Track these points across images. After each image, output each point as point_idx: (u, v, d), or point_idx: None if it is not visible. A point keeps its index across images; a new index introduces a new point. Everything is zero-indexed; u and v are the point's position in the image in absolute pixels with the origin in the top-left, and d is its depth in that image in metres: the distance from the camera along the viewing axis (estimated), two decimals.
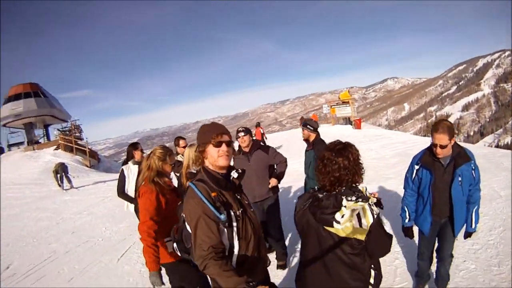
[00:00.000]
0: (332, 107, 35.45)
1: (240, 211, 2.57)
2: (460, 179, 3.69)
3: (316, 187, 2.65)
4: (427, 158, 3.85)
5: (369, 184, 10.14)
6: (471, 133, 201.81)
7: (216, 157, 2.56)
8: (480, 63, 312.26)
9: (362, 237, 2.33)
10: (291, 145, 24.26)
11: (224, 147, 2.58)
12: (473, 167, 3.77)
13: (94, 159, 30.76)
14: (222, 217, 2.38)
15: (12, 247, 9.90)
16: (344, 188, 2.41)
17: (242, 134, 5.56)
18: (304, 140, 6.50)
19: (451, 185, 3.73)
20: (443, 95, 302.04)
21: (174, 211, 3.26)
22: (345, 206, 2.27)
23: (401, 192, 8.78)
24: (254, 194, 5.68)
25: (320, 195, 2.48)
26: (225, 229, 2.45)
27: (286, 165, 5.90)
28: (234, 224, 2.51)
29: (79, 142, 32.29)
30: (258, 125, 27.26)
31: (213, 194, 2.45)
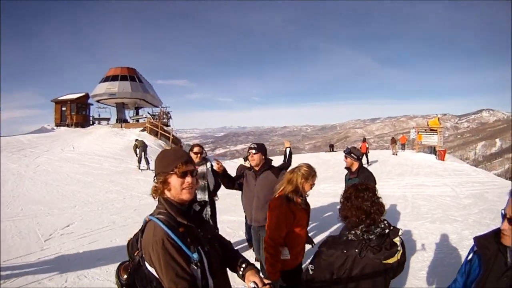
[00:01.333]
0: (419, 133, 34.87)
1: (207, 247, 2.23)
2: None
3: (344, 234, 2.50)
4: (487, 242, 2.22)
5: (433, 223, 10.00)
6: None
7: (179, 190, 2.16)
8: None
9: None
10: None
11: (189, 178, 2.20)
12: None
13: (176, 146, 31.36)
14: (195, 256, 2.07)
15: (77, 210, 10.88)
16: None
17: (253, 152, 5.13)
18: (346, 168, 6.40)
19: None
20: None
21: (300, 231, 4.04)
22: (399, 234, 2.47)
23: (463, 236, 8.58)
24: (251, 217, 5.39)
25: (365, 235, 2.40)
26: (198, 269, 2.09)
27: None
28: (205, 261, 2.16)
29: (165, 127, 33.41)
30: (364, 140, 31.53)
31: (180, 230, 2.11)
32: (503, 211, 2.02)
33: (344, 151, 6.23)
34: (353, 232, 2.44)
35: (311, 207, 11.47)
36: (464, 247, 7.78)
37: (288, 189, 4.00)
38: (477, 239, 2.31)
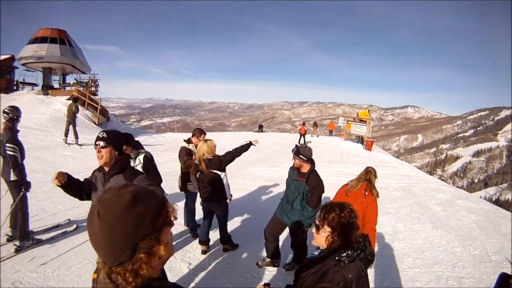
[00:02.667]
0: (349, 122, 35.92)
1: None
2: None
3: (338, 256, 2.40)
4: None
5: None
6: (476, 180, 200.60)
7: (171, 245, 1.47)
8: (503, 114, 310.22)
9: None
10: (285, 149, 24.42)
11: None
12: None
13: (103, 117, 30.71)
14: None
15: None
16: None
17: (101, 144, 3.48)
18: (295, 167, 5.69)
19: None
20: (458, 135, 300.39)
21: None
22: None
23: (397, 229, 8.86)
24: None
25: (356, 253, 2.41)
26: None
27: None
28: None
29: (93, 97, 32.37)
30: (303, 123, 34.63)
31: None
32: None
33: (292, 151, 5.62)
34: (344, 255, 2.39)
35: (248, 191, 11.30)
36: (399, 239, 8.39)
37: (371, 187, 5.57)
38: (502, 276, 2.24)
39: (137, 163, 5.32)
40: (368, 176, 5.64)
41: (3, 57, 35.07)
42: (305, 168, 5.55)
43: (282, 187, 12.21)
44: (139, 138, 25.22)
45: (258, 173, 15.29)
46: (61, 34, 34.01)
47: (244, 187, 12.21)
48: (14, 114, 6.51)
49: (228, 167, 6.49)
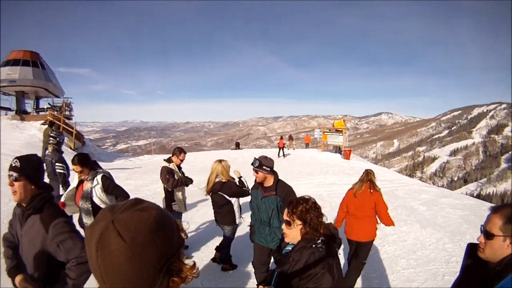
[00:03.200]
0: (325, 133, 36.28)
1: None
2: None
3: (314, 244, 2.59)
4: (471, 252, 2.34)
5: None
6: (455, 178, 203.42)
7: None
8: (475, 112, 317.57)
9: None
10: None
11: None
12: None
13: (79, 142, 30.11)
14: None
15: None
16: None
17: (14, 176, 2.72)
18: (257, 182, 5.17)
19: None
20: (434, 137, 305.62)
21: None
22: None
23: (386, 232, 8.85)
24: None
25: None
26: None
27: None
28: None
29: (67, 121, 31.56)
30: (281, 137, 35.14)
31: None
32: (482, 227, 2.18)
33: (252, 164, 5.01)
34: (320, 241, 2.60)
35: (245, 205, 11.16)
36: (389, 243, 8.40)
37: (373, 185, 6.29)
38: (469, 246, 2.45)
39: (95, 184, 5.02)
40: (369, 176, 6.14)
41: None
42: (270, 180, 5.13)
43: None
44: (116, 162, 25.25)
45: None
46: (34, 57, 33.34)
47: None
48: (60, 138, 8.06)
49: None
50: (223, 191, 6.28)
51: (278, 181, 5.13)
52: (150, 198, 12.18)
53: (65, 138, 26.75)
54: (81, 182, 5.22)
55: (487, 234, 2.09)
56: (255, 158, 5.05)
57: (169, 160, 7.17)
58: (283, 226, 2.72)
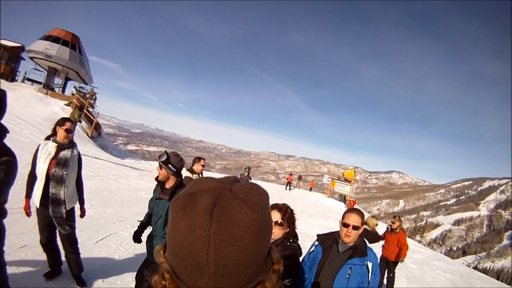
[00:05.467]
0: (333, 180, 36.51)
1: None
2: (349, 272, 3.35)
3: (288, 242, 3.24)
4: (326, 237, 3.69)
5: None
6: (454, 248, 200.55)
7: None
8: (486, 185, 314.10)
9: None
10: (271, 199, 23.95)
11: None
12: (369, 268, 3.37)
13: (96, 131, 30.02)
14: None
15: None
16: None
17: None
18: (157, 180, 4.53)
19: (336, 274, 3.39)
20: (440, 203, 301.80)
21: None
22: None
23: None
24: None
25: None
26: None
27: None
28: None
29: (90, 109, 31.61)
30: (290, 174, 38.12)
31: None
32: (343, 222, 3.46)
33: (159, 157, 4.41)
34: (293, 240, 3.28)
35: None
36: None
37: None
38: (319, 236, 3.73)
39: (75, 153, 5.17)
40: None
41: (12, 44, 34.65)
42: (171, 182, 4.48)
43: None
44: (128, 161, 25.51)
45: None
46: (74, 39, 33.94)
47: None
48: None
49: None
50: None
51: (179, 186, 4.44)
52: None
53: (83, 125, 27.13)
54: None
55: (355, 227, 3.38)
56: (165, 151, 4.47)
57: (191, 170, 7.27)
58: (273, 226, 3.03)
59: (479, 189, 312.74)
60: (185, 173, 6.89)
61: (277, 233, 3.17)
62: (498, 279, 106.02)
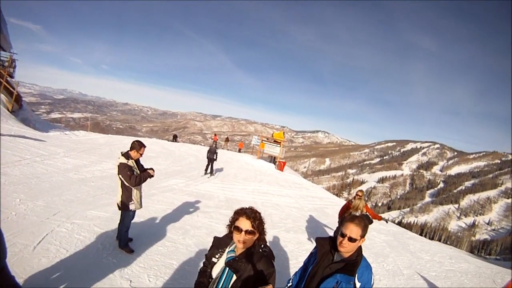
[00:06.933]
0: (263, 141, 36.60)
1: None
2: (334, 286, 3.15)
3: (260, 248, 3.03)
4: (324, 242, 3.48)
5: (288, 232, 10.95)
6: (379, 204, 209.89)
7: None
8: (409, 146, 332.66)
9: None
10: (200, 162, 24.06)
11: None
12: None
13: (17, 104, 26.90)
14: None
15: None
16: None
17: None
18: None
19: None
20: (365, 162, 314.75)
21: None
22: None
23: (312, 247, 9.26)
24: None
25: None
26: None
27: None
28: None
29: (9, 79, 27.81)
30: (215, 134, 38.98)
31: None
32: (341, 231, 3.24)
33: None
34: (263, 246, 3.08)
35: (171, 205, 11.20)
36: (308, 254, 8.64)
37: None
38: (318, 240, 3.53)
39: None
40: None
41: None
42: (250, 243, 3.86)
43: (204, 202, 12.34)
44: (52, 134, 24.03)
45: (177, 185, 14.91)
46: None
47: (166, 200, 11.88)
48: None
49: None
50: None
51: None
52: (90, 181, 12.06)
53: (2, 99, 24.64)
54: None
55: (351, 239, 3.14)
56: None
57: (127, 156, 6.59)
58: (244, 235, 2.88)
59: (402, 150, 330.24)
60: (120, 158, 6.49)
61: (248, 241, 2.91)
62: (422, 232, 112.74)
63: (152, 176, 6.86)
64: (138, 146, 6.63)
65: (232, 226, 2.97)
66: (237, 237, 2.89)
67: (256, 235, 2.96)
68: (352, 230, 3.14)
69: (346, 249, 3.17)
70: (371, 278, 3.23)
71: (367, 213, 8.96)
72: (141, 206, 6.96)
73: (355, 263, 3.18)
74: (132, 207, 6.70)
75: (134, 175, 6.47)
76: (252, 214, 2.95)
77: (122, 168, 6.40)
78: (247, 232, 2.87)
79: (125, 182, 6.44)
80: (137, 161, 6.80)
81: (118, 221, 6.89)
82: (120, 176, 6.45)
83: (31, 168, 12.07)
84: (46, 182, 10.67)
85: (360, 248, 3.29)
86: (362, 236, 3.18)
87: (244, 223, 2.90)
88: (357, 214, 8.39)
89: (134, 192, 6.65)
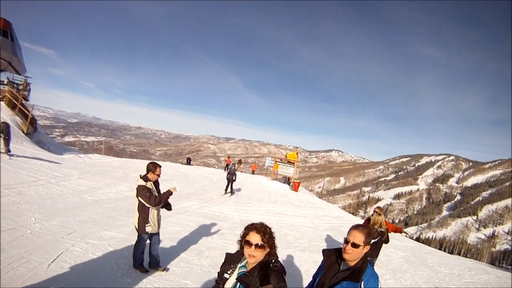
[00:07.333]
0: (277, 162, 36.38)
1: None
2: None
3: (271, 264, 3.03)
4: (330, 253, 3.55)
5: (303, 251, 10.86)
6: (396, 221, 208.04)
7: None
8: (424, 161, 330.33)
9: None
10: (215, 184, 23.74)
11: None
12: None
13: (31, 127, 27.17)
14: None
15: None
16: None
17: None
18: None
19: None
20: (380, 179, 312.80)
21: None
22: None
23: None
24: None
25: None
26: None
27: None
28: None
29: (24, 102, 28.60)
30: (228, 156, 40.64)
31: None
32: (345, 238, 3.33)
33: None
34: (275, 261, 3.07)
35: (186, 226, 11.16)
36: None
37: None
38: (324, 251, 3.58)
39: None
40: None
41: None
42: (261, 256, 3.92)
43: (219, 224, 12.31)
44: (66, 156, 24.21)
45: (191, 208, 14.91)
46: (6, 26, 29.47)
47: (181, 222, 11.85)
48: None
49: None
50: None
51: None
52: (104, 202, 12.10)
53: (18, 121, 24.83)
54: None
55: (353, 244, 3.22)
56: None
57: (145, 178, 6.59)
58: (254, 249, 2.91)
59: (416, 165, 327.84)
60: (139, 181, 6.51)
61: (258, 256, 2.94)
62: (440, 247, 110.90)
63: (172, 193, 6.80)
64: (153, 167, 6.64)
65: (243, 241, 3.00)
66: (247, 251, 2.92)
67: (267, 250, 2.98)
68: (356, 236, 3.24)
69: (350, 255, 3.24)
70: (378, 285, 3.21)
71: (386, 227, 8.85)
72: (158, 229, 6.86)
73: (360, 270, 3.21)
74: (148, 229, 6.63)
75: (153, 195, 6.47)
76: (262, 228, 2.99)
77: (140, 190, 6.42)
78: (257, 246, 2.90)
79: (146, 203, 6.43)
80: (156, 184, 6.80)
81: (135, 242, 6.82)
82: (139, 198, 6.45)
83: (46, 189, 12.20)
84: (61, 203, 10.78)
85: (365, 256, 3.33)
86: (366, 243, 3.25)
87: (254, 237, 2.93)
88: (377, 228, 8.46)
89: (151, 214, 6.58)
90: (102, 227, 9.13)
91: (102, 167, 22.16)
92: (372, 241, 8.10)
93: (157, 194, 6.63)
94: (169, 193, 6.74)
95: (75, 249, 7.24)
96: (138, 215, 6.58)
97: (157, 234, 6.92)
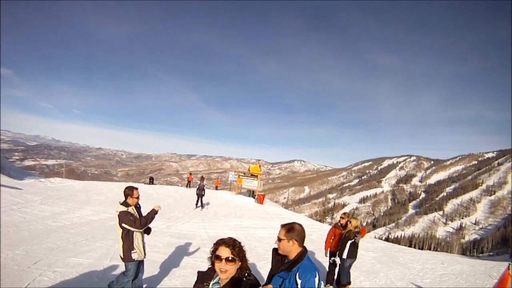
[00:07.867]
0: (240, 177, 36.30)
1: None
2: (280, 283, 3.54)
3: (245, 277, 3.05)
4: (276, 251, 3.91)
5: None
6: (364, 224, 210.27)
7: None
8: (385, 163, 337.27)
9: None
10: (179, 202, 23.65)
11: None
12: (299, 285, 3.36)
13: None
14: None
15: None
16: None
17: None
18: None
19: None
20: (344, 185, 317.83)
21: None
22: None
23: None
24: None
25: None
26: None
27: None
28: None
29: None
30: (190, 173, 41.16)
31: None
32: (278, 236, 3.70)
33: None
34: (248, 273, 3.11)
35: (155, 248, 11.00)
36: None
37: None
38: (273, 250, 3.89)
39: None
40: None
41: None
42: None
43: (187, 242, 12.21)
44: (27, 181, 23.74)
45: (157, 227, 14.65)
46: None
47: (148, 243, 11.65)
48: None
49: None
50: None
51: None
52: (69, 228, 11.90)
53: None
54: None
55: (278, 239, 3.64)
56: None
57: (126, 204, 6.35)
58: (225, 263, 2.93)
59: (379, 168, 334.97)
60: (119, 207, 6.23)
61: (230, 270, 2.96)
62: (410, 244, 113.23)
63: (157, 212, 6.57)
64: (130, 191, 6.41)
65: (213, 256, 3.00)
66: (218, 266, 2.94)
67: (238, 263, 3.00)
68: (280, 232, 3.68)
69: (281, 249, 3.67)
70: (313, 280, 3.32)
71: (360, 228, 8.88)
72: (144, 255, 6.64)
73: (294, 262, 3.53)
74: (135, 256, 6.38)
75: (138, 218, 6.28)
76: (231, 242, 3.03)
77: (123, 216, 6.17)
78: (227, 259, 2.92)
79: (131, 228, 6.20)
80: (137, 207, 6.62)
81: (119, 271, 6.87)
82: (123, 224, 6.17)
83: (8, 216, 11.95)
84: (25, 230, 10.54)
85: (302, 251, 3.61)
86: (289, 237, 3.58)
87: (224, 251, 2.95)
88: (354, 230, 8.51)
89: (135, 240, 6.36)
90: (69, 253, 8.89)
91: (64, 191, 21.72)
92: (349, 241, 8.41)
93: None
94: (153, 212, 6.50)
95: (42, 278, 7.02)
96: (122, 243, 6.32)
97: (142, 261, 6.72)
